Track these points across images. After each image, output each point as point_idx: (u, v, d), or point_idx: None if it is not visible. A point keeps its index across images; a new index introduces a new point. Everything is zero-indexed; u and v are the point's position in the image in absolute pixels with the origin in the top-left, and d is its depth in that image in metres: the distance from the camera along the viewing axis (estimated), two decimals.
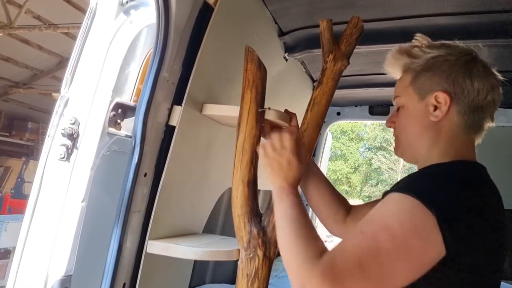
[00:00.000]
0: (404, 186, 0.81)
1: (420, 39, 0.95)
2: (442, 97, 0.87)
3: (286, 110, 1.27)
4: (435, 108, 0.89)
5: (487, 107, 0.90)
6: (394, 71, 1.01)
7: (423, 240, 0.71)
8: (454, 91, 0.87)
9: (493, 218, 0.79)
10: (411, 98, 0.93)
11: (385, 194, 0.86)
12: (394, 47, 0.99)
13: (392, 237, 0.71)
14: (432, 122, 0.89)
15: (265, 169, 0.98)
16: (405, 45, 0.97)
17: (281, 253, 0.83)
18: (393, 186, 0.88)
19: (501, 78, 0.92)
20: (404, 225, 0.72)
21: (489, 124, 0.92)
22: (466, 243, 0.73)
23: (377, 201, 1.15)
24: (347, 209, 1.21)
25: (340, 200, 1.22)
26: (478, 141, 0.92)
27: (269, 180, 0.96)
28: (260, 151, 1.01)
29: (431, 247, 0.71)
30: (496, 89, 0.90)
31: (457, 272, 0.74)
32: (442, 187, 0.77)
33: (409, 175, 0.92)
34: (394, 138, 1.01)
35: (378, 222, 0.75)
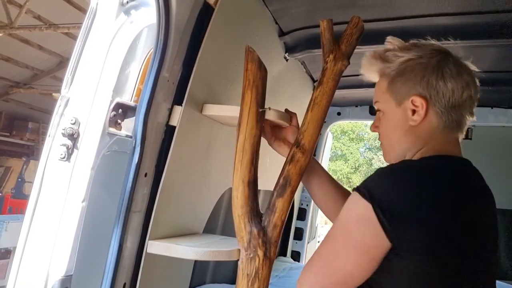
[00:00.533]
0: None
1: (392, 42, 0.96)
2: (419, 101, 0.88)
3: (286, 110, 1.27)
4: (413, 112, 0.89)
5: (464, 104, 0.89)
6: (371, 75, 1.03)
7: (361, 227, 0.77)
8: (429, 93, 0.88)
9: (460, 212, 0.78)
10: (389, 104, 0.95)
11: None
12: (368, 52, 1.00)
13: (340, 225, 0.82)
14: (412, 126, 0.90)
15: None
16: (379, 49, 0.97)
17: None
18: None
19: (475, 70, 0.91)
20: (348, 213, 0.81)
21: (470, 119, 0.92)
22: (413, 232, 0.74)
23: None
24: None
25: (343, 194, 1.23)
26: (461, 137, 0.92)
27: None
28: None
29: (370, 234, 0.75)
30: (471, 84, 0.90)
31: (413, 262, 0.76)
32: (385, 179, 0.81)
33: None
34: (380, 144, 1.02)
35: (346, 215, 0.83)
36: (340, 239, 0.81)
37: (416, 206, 0.75)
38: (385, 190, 0.77)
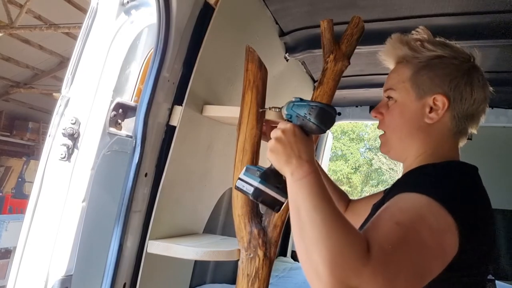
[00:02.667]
0: (416, 185, 0.77)
1: (421, 32, 0.92)
2: (441, 100, 0.86)
3: None
4: (431, 110, 0.87)
5: (477, 116, 0.89)
6: (388, 60, 0.98)
7: (449, 239, 0.70)
8: (453, 96, 0.86)
9: (488, 219, 0.79)
10: (408, 94, 0.90)
11: (389, 191, 0.85)
12: (394, 35, 0.94)
13: (430, 230, 0.69)
14: (425, 124, 0.88)
15: (274, 162, 0.84)
16: (407, 36, 0.93)
17: (306, 250, 0.68)
18: (396, 185, 0.87)
19: (491, 89, 0.92)
20: (433, 221, 0.70)
21: (472, 131, 0.92)
22: (471, 244, 0.72)
23: (374, 195, 1.14)
24: (346, 203, 1.22)
25: (340, 195, 1.23)
26: (461, 144, 0.92)
27: (282, 169, 0.82)
28: (268, 146, 0.89)
29: (452, 247, 0.70)
30: (487, 100, 0.90)
31: (455, 274, 0.74)
32: (457, 189, 0.77)
33: (410, 174, 0.89)
34: (380, 136, 0.98)
35: (411, 216, 0.71)
36: (433, 247, 0.69)
37: (479, 213, 0.76)
38: (465, 203, 0.75)
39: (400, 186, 0.81)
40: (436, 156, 0.87)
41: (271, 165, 0.86)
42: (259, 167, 0.89)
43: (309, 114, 0.84)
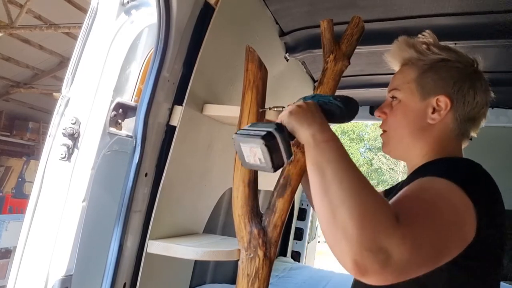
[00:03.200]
0: (434, 171, 0.77)
1: (427, 36, 0.94)
2: (444, 101, 0.88)
3: None
4: (434, 110, 0.89)
5: (478, 119, 0.92)
6: (394, 61, 1.00)
7: (468, 220, 0.70)
8: (456, 98, 0.88)
9: (502, 211, 0.80)
10: (412, 95, 0.92)
11: (401, 186, 0.85)
12: (401, 37, 0.96)
13: (454, 208, 0.69)
14: (428, 124, 0.90)
15: (292, 122, 0.82)
16: (413, 39, 0.95)
17: (331, 211, 0.64)
18: (409, 178, 0.86)
19: (492, 96, 0.95)
20: (454, 200, 0.70)
21: (473, 134, 0.94)
22: (488, 230, 0.72)
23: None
24: None
25: None
26: (463, 146, 0.94)
27: (299, 130, 0.81)
28: (283, 112, 0.88)
29: (470, 229, 0.70)
30: (488, 105, 0.93)
31: (471, 263, 0.74)
32: (473, 175, 0.78)
33: (423, 168, 0.87)
34: (381, 134, 0.99)
35: (434, 193, 0.71)
36: (458, 223, 0.69)
37: (495, 203, 0.77)
38: (483, 191, 0.76)
39: (414, 177, 0.79)
40: (442, 155, 0.89)
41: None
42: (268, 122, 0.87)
43: (336, 100, 0.87)
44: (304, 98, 0.93)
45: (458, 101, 0.88)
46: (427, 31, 0.94)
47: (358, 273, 0.59)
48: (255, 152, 0.80)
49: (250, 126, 0.85)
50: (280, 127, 0.81)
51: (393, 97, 0.96)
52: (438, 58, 0.91)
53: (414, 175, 0.83)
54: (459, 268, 0.73)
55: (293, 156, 0.86)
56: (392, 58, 0.99)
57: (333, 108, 0.86)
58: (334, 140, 0.75)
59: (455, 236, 0.69)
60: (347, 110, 0.87)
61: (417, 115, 0.91)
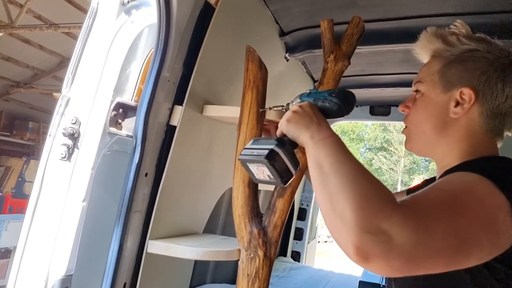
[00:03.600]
0: (465, 168, 0.72)
1: (459, 26, 0.88)
2: (468, 93, 0.81)
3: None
4: (457, 104, 0.83)
5: (509, 115, 0.83)
6: (422, 54, 0.94)
7: (503, 217, 0.62)
8: (482, 91, 0.81)
9: None
10: (434, 87, 0.86)
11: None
12: (430, 28, 0.90)
13: (480, 202, 0.63)
14: (451, 119, 0.83)
15: (291, 130, 0.84)
16: (442, 29, 0.90)
17: (330, 200, 0.64)
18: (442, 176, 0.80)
19: None
20: (484, 196, 0.64)
21: (507, 133, 0.86)
22: None
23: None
24: None
25: None
26: (499, 145, 0.86)
27: (299, 136, 0.81)
28: (281, 121, 0.88)
29: (507, 227, 0.63)
30: None
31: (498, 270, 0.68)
32: (510, 172, 0.71)
33: (464, 165, 0.80)
34: (403, 130, 0.94)
35: (461, 185, 0.66)
36: (482, 218, 0.63)
37: None
38: None
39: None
40: (473, 156, 0.82)
41: (284, 137, 0.85)
42: (269, 136, 0.88)
43: (331, 96, 0.86)
44: (301, 96, 0.93)
45: (485, 94, 0.81)
46: (459, 21, 0.88)
47: (361, 258, 0.57)
48: (262, 170, 0.82)
49: (253, 143, 0.86)
50: (280, 141, 0.82)
51: (416, 91, 0.91)
52: (466, 48, 0.84)
53: (446, 173, 0.78)
54: (491, 273, 0.67)
55: (300, 165, 0.85)
56: (420, 50, 0.94)
57: (330, 105, 0.86)
58: (332, 137, 0.75)
59: (481, 231, 0.62)
60: (344, 105, 0.86)
61: (438, 108, 0.85)
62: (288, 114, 0.85)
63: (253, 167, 0.84)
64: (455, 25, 0.88)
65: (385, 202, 0.60)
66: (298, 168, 0.84)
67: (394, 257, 0.56)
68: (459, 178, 0.69)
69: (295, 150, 0.84)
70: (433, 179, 1.03)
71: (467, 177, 0.68)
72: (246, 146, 0.87)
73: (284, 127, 0.84)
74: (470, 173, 0.68)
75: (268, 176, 0.82)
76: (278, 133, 0.88)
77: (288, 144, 0.83)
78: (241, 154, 0.85)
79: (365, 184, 0.63)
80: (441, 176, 0.80)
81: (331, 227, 0.63)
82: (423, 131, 0.88)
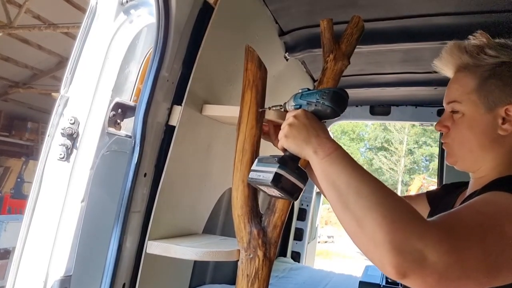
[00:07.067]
0: (503, 186, 0.72)
1: (479, 37, 0.87)
2: None
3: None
4: (504, 120, 0.82)
5: None
6: (446, 69, 0.93)
7: None
8: None
9: None
10: (476, 107, 0.85)
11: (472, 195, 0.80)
12: (451, 43, 0.89)
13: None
14: (499, 135, 0.83)
15: (291, 146, 0.84)
16: (464, 42, 0.88)
17: (356, 221, 0.64)
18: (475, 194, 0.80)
19: None
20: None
21: None
22: None
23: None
24: None
25: None
26: None
27: (301, 152, 0.81)
28: (280, 135, 0.88)
29: None
30: None
31: None
32: None
33: (500, 181, 0.80)
34: (444, 143, 0.93)
35: (497, 207, 0.66)
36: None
37: None
38: None
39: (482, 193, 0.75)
40: None
41: (286, 152, 0.86)
42: (272, 155, 0.88)
43: (322, 98, 0.86)
44: (294, 97, 0.94)
45: None
46: (479, 31, 0.87)
47: (399, 276, 0.59)
48: (272, 191, 0.86)
49: (257, 164, 0.89)
50: (282, 161, 0.84)
51: (453, 111, 0.89)
52: (498, 61, 0.83)
53: (483, 191, 0.76)
54: None
55: (308, 175, 0.87)
56: (443, 65, 0.92)
57: (323, 109, 0.86)
58: (337, 150, 0.75)
59: None
60: (336, 106, 0.86)
61: (485, 127, 0.84)
62: (284, 130, 0.85)
63: (263, 188, 0.88)
64: (475, 36, 0.87)
65: (415, 220, 0.61)
66: (307, 180, 0.86)
67: (427, 275, 0.58)
68: (495, 199, 0.69)
69: (299, 163, 0.86)
70: (452, 185, 1.04)
71: (506, 199, 0.68)
72: (252, 168, 0.90)
73: (284, 142, 0.85)
74: (507, 194, 0.68)
75: (279, 193, 0.85)
76: (279, 147, 0.89)
77: (291, 161, 0.84)
78: (249, 177, 0.90)
79: (389, 204, 0.64)
80: (476, 191, 0.80)
81: (362, 246, 0.64)
82: (470, 150, 0.87)
